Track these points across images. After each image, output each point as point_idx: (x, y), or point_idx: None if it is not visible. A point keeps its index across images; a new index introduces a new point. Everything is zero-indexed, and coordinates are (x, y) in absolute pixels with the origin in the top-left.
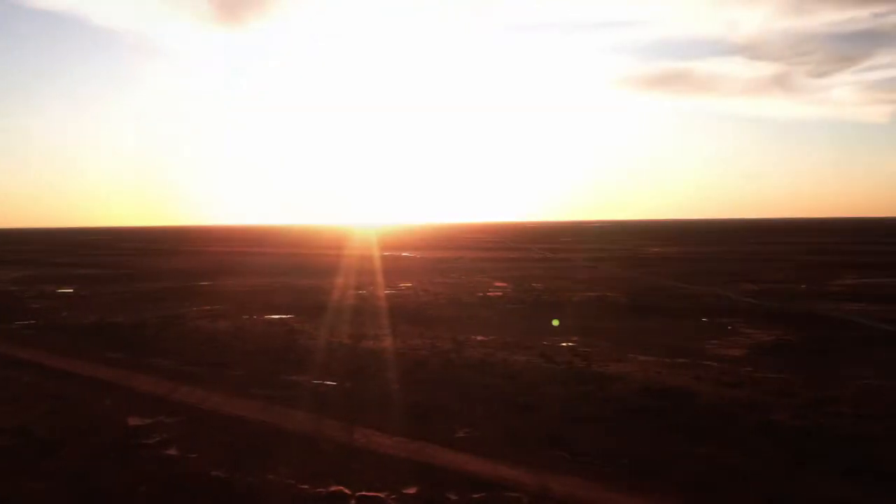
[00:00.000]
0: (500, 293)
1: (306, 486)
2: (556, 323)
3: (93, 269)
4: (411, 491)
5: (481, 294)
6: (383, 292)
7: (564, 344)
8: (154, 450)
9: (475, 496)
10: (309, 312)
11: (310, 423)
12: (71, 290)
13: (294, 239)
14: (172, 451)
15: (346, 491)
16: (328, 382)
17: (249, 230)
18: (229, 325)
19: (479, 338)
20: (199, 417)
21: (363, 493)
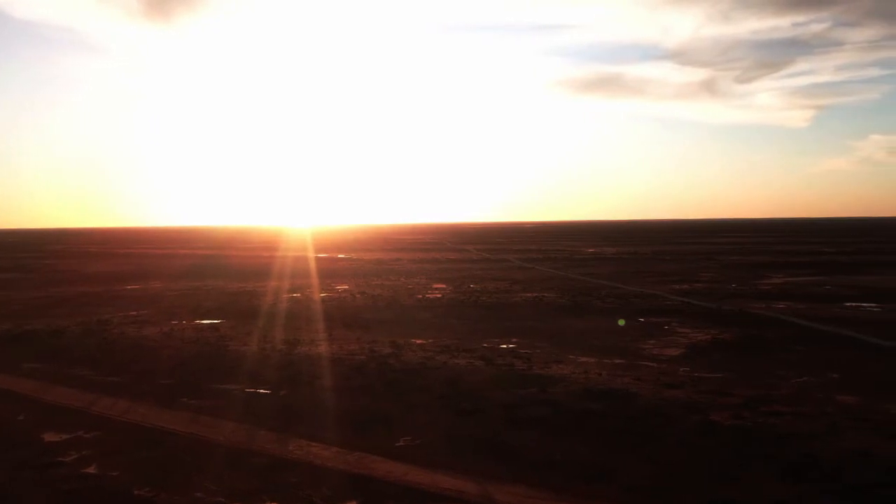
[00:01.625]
0: (439, 295)
1: None
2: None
3: (9, 273)
4: None
5: (420, 296)
6: (319, 295)
7: (504, 346)
8: (71, 468)
9: None
10: (241, 317)
11: (242, 435)
12: None
13: (226, 240)
14: (91, 469)
15: None
16: (261, 391)
17: (181, 231)
18: (157, 331)
19: (418, 341)
20: (121, 431)
21: None
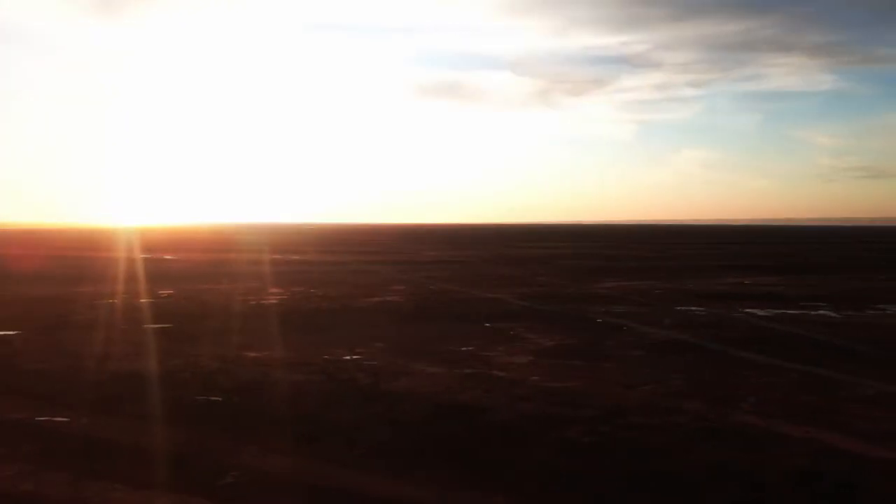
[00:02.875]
0: (274, 300)
1: None
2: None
3: None
4: None
5: (254, 302)
6: (138, 301)
7: (347, 357)
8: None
9: None
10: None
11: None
12: None
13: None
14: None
15: None
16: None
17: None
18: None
19: (251, 354)
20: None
21: None
